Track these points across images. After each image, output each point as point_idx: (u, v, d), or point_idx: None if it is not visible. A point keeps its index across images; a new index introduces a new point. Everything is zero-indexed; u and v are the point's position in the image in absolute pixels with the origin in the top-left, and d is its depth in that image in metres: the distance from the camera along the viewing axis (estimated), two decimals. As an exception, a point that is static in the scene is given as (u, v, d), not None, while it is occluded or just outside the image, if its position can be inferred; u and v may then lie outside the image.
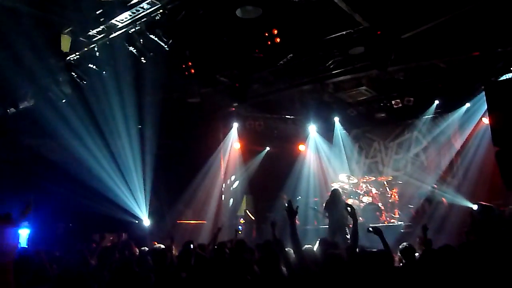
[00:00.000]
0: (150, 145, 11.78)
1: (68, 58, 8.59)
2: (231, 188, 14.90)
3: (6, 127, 10.49)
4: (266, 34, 8.43)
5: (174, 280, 5.27)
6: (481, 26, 8.31)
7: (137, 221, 12.10)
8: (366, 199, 12.85)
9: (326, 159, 15.04)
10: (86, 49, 8.25)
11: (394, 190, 13.09)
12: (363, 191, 13.21)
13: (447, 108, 12.79)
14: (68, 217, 11.74)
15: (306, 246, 6.69)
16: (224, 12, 7.65)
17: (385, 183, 13.32)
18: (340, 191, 11.63)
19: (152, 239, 11.13)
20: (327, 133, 14.83)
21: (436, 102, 12.64)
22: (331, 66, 10.19)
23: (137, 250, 7.75)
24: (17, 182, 10.88)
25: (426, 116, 13.29)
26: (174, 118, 12.07)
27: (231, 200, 14.77)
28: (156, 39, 7.33)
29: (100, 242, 8.06)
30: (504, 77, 9.49)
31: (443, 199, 11.19)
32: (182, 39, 8.02)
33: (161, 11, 7.28)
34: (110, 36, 7.97)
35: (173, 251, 7.13)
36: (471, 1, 7.57)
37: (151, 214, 12.21)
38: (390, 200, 12.91)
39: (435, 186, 11.89)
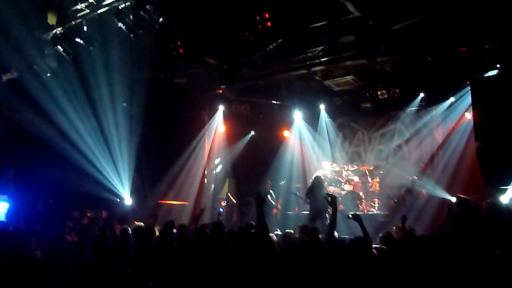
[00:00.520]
0: (135, 123, 11.68)
1: (55, 31, 8.40)
2: (214, 171, 14.92)
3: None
4: (258, 18, 8.40)
5: (156, 260, 5.30)
6: (470, 22, 8.41)
7: (118, 200, 12.04)
8: (347, 188, 13.02)
9: (310, 146, 15.13)
10: (73, 22, 8.09)
11: (375, 180, 13.29)
12: (344, 179, 13.38)
13: (431, 102, 12.93)
14: (48, 193, 11.61)
15: (287, 231, 6.80)
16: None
17: (367, 172, 13.51)
18: (322, 179, 11.77)
19: (134, 218, 11.12)
20: (312, 120, 14.88)
21: (421, 95, 12.77)
22: (320, 54, 10.21)
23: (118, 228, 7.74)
24: (-3, 155, 10.72)
25: (410, 108, 13.42)
26: (161, 97, 11.98)
27: (214, 182, 14.80)
28: (146, 16, 7.21)
29: (80, 219, 8.03)
30: (489, 74, 9.64)
31: (423, 190, 11.40)
32: (172, 17, 7.92)
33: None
34: (99, 11, 7.82)
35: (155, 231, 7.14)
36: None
37: (133, 193, 12.15)
38: (370, 190, 13.12)
39: (416, 177, 12.09)
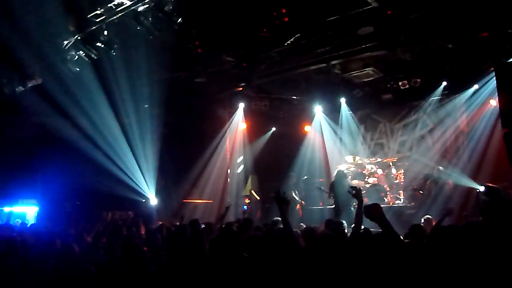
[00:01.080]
0: (157, 124, 11.83)
1: (76, 36, 8.57)
2: (237, 168, 14.99)
3: (14, 106, 10.55)
4: (275, 14, 8.39)
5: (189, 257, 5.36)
6: (491, 7, 8.21)
7: (144, 200, 12.23)
8: (372, 180, 12.91)
9: (332, 140, 15.05)
10: (94, 27, 8.23)
11: (399, 172, 13.12)
12: (368, 172, 13.25)
13: (454, 90, 12.68)
14: (75, 195, 11.88)
15: (313, 226, 6.79)
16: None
17: (391, 164, 13.35)
18: (345, 172, 11.69)
19: (159, 217, 11.29)
20: (333, 114, 14.80)
21: (444, 83, 12.54)
22: (338, 46, 10.12)
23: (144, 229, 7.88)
24: (26, 160, 11.01)
25: (433, 98, 13.20)
26: (181, 97, 12.10)
27: (236, 180, 14.87)
28: (165, 17, 7.29)
29: (107, 220, 8.16)
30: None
31: (449, 180, 11.21)
32: (190, 17, 7.98)
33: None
34: (118, 15, 7.94)
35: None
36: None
37: (157, 193, 12.32)
38: (395, 182, 12.96)
39: (441, 167, 11.89)
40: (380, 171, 13.18)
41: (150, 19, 7.61)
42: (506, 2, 7.98)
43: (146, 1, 7.54)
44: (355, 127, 14.93)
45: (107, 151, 11.21)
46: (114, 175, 11.30)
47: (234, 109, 14.37)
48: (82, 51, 8.83)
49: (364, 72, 12.02)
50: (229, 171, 14.59)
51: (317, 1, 8.18)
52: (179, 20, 7.41)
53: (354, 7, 8.37)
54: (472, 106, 12.49)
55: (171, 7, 7.32)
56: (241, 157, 15.00)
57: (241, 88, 12.77)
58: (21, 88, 9.99)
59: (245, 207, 14.24)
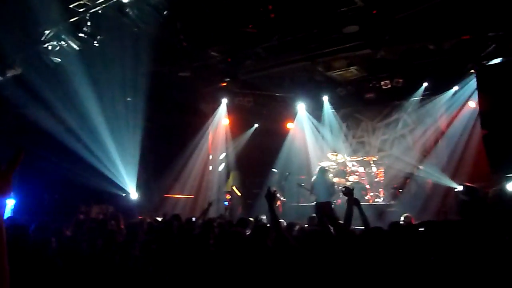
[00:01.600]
0: (140, 118, 11.68)
1: (59, 26, 8.39)
2: (219, 164, 14.95)
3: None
4: (261, 10, 8.38)
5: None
6: (473, 10, 8.37)
7: (124, 194, 12.08)
8: (353, 178, 13.05)
9: (314, 138, 15.14)
10: (77, 17, 8.06)
11: (380, 170, 13.31)
12: (349, 170, 13.40)
13: (435, 91, 12.91)
14: (54, 188, 11.66)
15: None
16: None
17: (372, 162, 13.52)
18: (326, 169, 11.78)
19: (139, 212, 11.17)
20: (316, 112, 14.89)
21: (425, 84, 12.75)
22: (324, 44, 10.17)
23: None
24: (3, 152, 10.72)
25: (414, 98, 13.41)
26: (165, 91, 11.99)
27: (218, 175, 14.83)
28: (150, 9, 7.19)
29: (87, 213, 8.08)
30: (494, 61, 9.61)
31: (428, 179, 11.41)
32: (176, 10, 7.90)
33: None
34: (102, 5, 7.80)
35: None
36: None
37: (138, 187, 12.19)
38: (375, 180, 13.14)
39: (420, 166, 12.09)
40: (361, 169, 13.34)
41: (135, 11, 7.50)
42: (487, 6, 8.14)
43: (131, -8, 7.45)
44: (338, 125, 15.05)
45: (87, 144, 11.00)
46: (95, 168, 11.10)
47: (218, 104, 14.32)
48: (64, 41, 8.64)
49: (347, 71, 12.13)
50: (211, 166, 14.54)
51: (303, -1, 8.20)
52: (165, 12, 7.32)
53: (340, 5, 8.42)
54: (452, 107, 12.73)
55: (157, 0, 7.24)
56: (224, 153, 14.97)
57: (225, 84, 12.72)
58: (0, 78, 9.73)
59: (226, 202, 14.22)
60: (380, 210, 10.96)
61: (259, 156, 14.63)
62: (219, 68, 11.02)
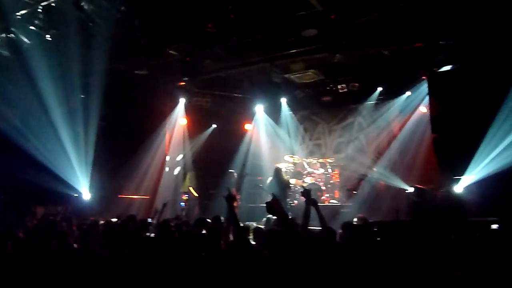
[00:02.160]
0: (93, 116, 11.32)
1: (9, 18, 7.99)
2: (175, 164, 14.75)
3: None
4: (221, 9, 8.34)
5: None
6: (426, 19, 8.70)
7: (76, 194, 11.67)
8: (309, 180, 13.24)
9: (271, 139, 15.27)
10: (29, 9, 7.71)
11: (335, 172, 13.58)
12: (306, 171, 13.60)
13: (389, 95, 13.33)
14: (1, 188, 11.09)
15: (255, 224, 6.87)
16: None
17: (327, 164, 13.77)
18: (282, 170, 11.90)
19: (92, 213, 10.83)
20: (274, 114, 15.01)
21: (379, 89, 13.14)
22: (283, 47, 10.26)
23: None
24: None
25: (369, 102, 13.79)
26: (120, 89, 11.69)
27: (175, 176, 14.64)
28: (107, 4, 6.99)
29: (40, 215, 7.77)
30: (444, 69, 10.02)
31: (381, 181, 11.75)
32: (133, 6, 7.73)
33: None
34: (56, -2, 7.51)
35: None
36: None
37: (91, 187, 11.81)
38: (331, 181, 13.39)
39: (374, 169, 12.43)
40: (317, 171, 13.55)
41: (91, 5, 7.26)
42: (439, 15, 8.48)
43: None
44: (295, 127, 15.24)
45: (38, 142, 10.54)
46: (45, 167, 10.66)
47: (175, 103, 14.12)
48: (14, 34, 8.26)
49: (305, 74, 12.29)
50: (167, 167, 14.33)
51: (264, 1, 8.23)
52: (122, 8, 7.14)
53: (300, 9, 8.52)
54: (404, 111, 13.18)
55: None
56: (180, 153, 14.79)
57: (183, 83, 12.57)
58: None
59: (182, 203, 14.05)
60: (334, 211, 11.15)
61: (216, 157, 14.57)
62: (177, 67, 10.86)
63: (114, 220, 8.05)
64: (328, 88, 13.35)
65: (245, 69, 11.87)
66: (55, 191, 10.93)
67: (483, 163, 8.37)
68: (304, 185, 12.85)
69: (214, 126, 15.37)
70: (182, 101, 14.09)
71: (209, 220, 7.09)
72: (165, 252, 5.12)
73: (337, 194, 13.03)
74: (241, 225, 6.47)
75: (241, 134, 15.39)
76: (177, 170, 14.68)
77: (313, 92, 13.78)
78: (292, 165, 13.76)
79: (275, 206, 4.07)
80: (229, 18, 8.52)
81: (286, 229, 4.24)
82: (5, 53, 8.58)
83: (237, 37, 9.35)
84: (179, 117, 14.38)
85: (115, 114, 12.33)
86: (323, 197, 12.63)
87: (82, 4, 7.23)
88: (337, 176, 13.46)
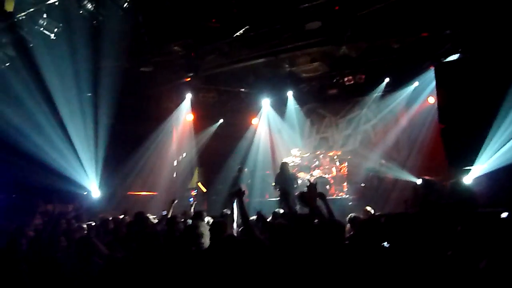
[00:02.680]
0: (101, 114, 11.38)
1: (13, 18, 8.02)
2: (183, 160, 14.79)
3: None
4: (224, 4, 8.31)
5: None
6: (432, 8, 8.59)
7: (85, 192, 11.76)
8: (316, 173, 13.20)
9: (278, 133, 15.24)
10: (33, 9, 7.74)
11: (343, 165, 13.50)
12: (313, 165, 13.55)
13: (396, 87, 13.21)
14: (10, 188, 11.20)
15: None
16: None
17: (335, 157, 13.70)
18: (288, 164, 11.85)
19: (101, 211, 10.91)
20: (280, 108, 14.95)
21: (386, 80, 13.02)
22: (287, 40, 10.20)
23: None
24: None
25: (376, 94, 13.68)
26: (127, 87, 11.71)
27: (183, 172, 14.69)
28: (110, 2, 6.99)
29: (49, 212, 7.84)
30: (451, 58, 9.88)
31: (389, 174, 11.67)
32: (137, 3, 7.72)
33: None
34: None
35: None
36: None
37: (101, 185, 11.89)
38: (339, 174, 13.33)
39: (382, 161, 12.35)
40: (324, 164, 13.50)
41: (93, 3, 7.26)
42: (446, 4, 8.37)
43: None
44: (301, 120, 15.18)
45: (44, 143, 10.61)
46: (54, 167, 10.75)
47: (182, 99, 14.12)
48: (18, 34, 8.29)
49: (311, 67, 12.22)
50: (175, 162, 14.37)
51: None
52: (125, 5, 7.13)
53: (303, 1, 8.46)
54: (412, 102, 13.05)
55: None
56: (188, 149, 14.82)
57: (189, 79, 12.56)
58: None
59: (191, 199, 14.09)
60: (343, 204, 11.12)
61: (223, 152, 14.58)
62: (182, 63, 10.86)
63: (121, 216, 8.09)
64: (334, 80, 13.27)
65: (250, 63, 11.82)
66: (63, 189, 11.03)
67: (492, 154, 8.26)
68: (312, 179, 12.81)
69: (221, 121, 15.37)
70: (188, 97, 14.08)
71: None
72: (169, 247, 5.16)
73: (345, 187, 12.97)
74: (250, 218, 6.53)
75: (248, 128, 15.37)
76: (184, 166, 14.72)
77: (319, 85, 13.72)
78: (299, 159, 13.71)
79: (310, 196, 4.25)
80: (232, 12, 8.49)
81: (318, 219, 4.30)
82: (11, 53, 8.62)
83: (241, 31, 9.32)
84: (186, 113, 14.39)
85: (123, 112, 12.38)
86: (330, 191, 12.58)
87: (84, 2, 7.24)
88: (345, 169, 13.39)
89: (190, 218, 7.78)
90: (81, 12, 7.47)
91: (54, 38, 8.25)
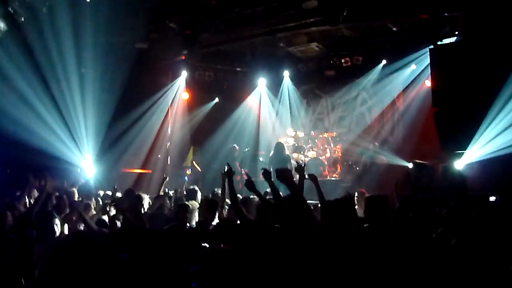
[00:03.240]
0: (95, 90, 11.26)
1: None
2: (178, 138, 14.75)
3: None
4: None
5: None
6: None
7: (79, 169, 11.72)
8: (311, 154, 13.21)
9: (274, 113, 15.19)
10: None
11: (337, 147, 13.51)
12: (308, 146, 13.56)
13: (393, 69, 13.09)
14: (5, 164, 11.15)
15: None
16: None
17: (330, 139, 13.70)
18: (283, 145, 11.84)
19: (96, 187, 10.91)
20: (276, 87, 14.86)
21: (383, 62, 12.90)
22: (284, 19, 10.08)
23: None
24: None
25: (373, 76, 13.56)
26: (121, 63, 11.58)
27: (178, 150, 14.66)
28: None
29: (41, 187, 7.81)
30: (447, 41, 9.77)
31: (383, 157, 11.68)
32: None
33: None
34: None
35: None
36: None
37: (95, 162, 11.86)
38: (333, 156, 13.34)
39: (376, 144, 12.36)
40: (319, 146, 13.51)
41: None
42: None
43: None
44: (298, 101, 15.12)
45: (36, 119, 10.49)
46: (45, 144, 10.67)
47: (177, 77, 14.01)
48: (11, 8, 8.15)
49: (308, 47, 12.12)
50: (169, 141, 14.34)
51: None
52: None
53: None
54: (409, 85, 12.96)
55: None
56: (183, 128, 14.76)
57: (184, 57, 12.44)
58: None
59: (186, 178, 14.11)
60: (335, 186, 11.15)
61: (218, 131, 14.53)
62: (178, 40, 10.74)
63: (109, 193, 8.12)
64: (331, 61, 13.17)
65: (247, 42, 11.71)
66: (55, 166, 10.98)
67: (486, 140, 8.22)
68: (306, 159, 12.82)
69: (216, 100, 15.27)
70: (184, 75, 13.95)
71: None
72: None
73: (338, 169, 12.99)
74: (241, 197, 6.56)
75: (244, 108, 15.29)
76: (179, 145, 14.69)
77: (316, 65, 13.61)
78: (294, 140, 13.70)
79: (286, 173, 4.30)
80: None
81: (294, 196, 4.34)
82: (2, 26, 8.47)
83: (237, 9, 9.19)
84: (181, 91, 14.29)
85: (117, 88, 12.26)
86: (324, 172, 12.60)
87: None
88: (339, 151, 13.40)
89: (184, 196, 7.83)
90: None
91: (47, 12, 8.10)
